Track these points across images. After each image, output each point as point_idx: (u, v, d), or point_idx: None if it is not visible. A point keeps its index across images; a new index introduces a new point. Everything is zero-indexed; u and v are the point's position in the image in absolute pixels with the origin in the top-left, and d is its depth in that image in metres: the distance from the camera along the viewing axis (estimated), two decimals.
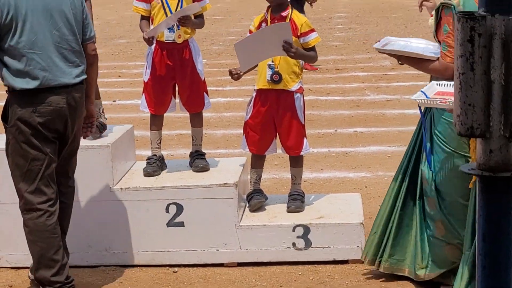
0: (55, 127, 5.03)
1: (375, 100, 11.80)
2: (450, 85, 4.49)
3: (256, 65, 5.82)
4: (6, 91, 5.15)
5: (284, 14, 5.77)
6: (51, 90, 5.00)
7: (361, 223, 5.63)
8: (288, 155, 6.04)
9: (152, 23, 6.04)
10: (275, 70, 5.77)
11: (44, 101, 4.98)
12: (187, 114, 6.39)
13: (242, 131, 6.00)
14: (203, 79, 6.21)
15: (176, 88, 6.19)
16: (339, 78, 13.80)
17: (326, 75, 14.05)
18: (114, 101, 12.33)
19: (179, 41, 5.99)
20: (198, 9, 5.94)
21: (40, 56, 4.96)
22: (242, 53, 5.62)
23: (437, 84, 4.61)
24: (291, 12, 5.81)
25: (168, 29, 5.97)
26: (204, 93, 6.23)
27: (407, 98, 11.74)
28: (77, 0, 5.17)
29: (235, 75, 5.73)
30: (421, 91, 4.45)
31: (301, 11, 16.69)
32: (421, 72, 13.86)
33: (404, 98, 11.80)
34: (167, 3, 5.96)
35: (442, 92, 4.46)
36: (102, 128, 6.09)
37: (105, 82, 13.58)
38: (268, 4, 5.85)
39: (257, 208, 5.85)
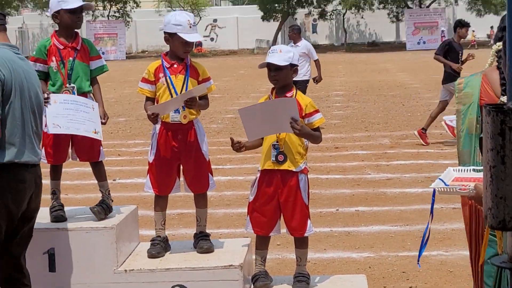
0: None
1: (376, 178, 11.81)
2: (467, 170, 4.45)
3: (261, 140, 5.79)
4: None
5: (288, 95, 5.79)
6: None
7: None
8: (291, 236, 6.00)
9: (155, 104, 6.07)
10: (279, 150, 5.76)
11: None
12: (189, 194, 6.37)
13: (243, 210, 5.97)
14: (207, 159, 6.20)
15: (181, 169, 6.18)
16: (339, 157, 13.84)
17: (325, 154, 14.09)
18: (114, 180, 12.32)
19: (185, 121, 6.01)
20: (204, 90, 5.98)
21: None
22: (247, 121, 5.62)
23: (453, 170, 4.54)
24: (295, 93, 5.84)
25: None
26: (209, 174, 6.22)
27: (407, 177, 11.77)
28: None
29: (236, 145, 5.75)
30: (439, 179, 4.38)
31: (304, 91, 16.85)
32: (420, 150, 13.95)
33: (405, 176, 11.83)
34: (172, 85, 5.99)
35: (460, 178, 4.41)
36: (108, 210, 6.07)
37: (105, 161, 13.55)
38: (273, 86, 5.88)
39: None
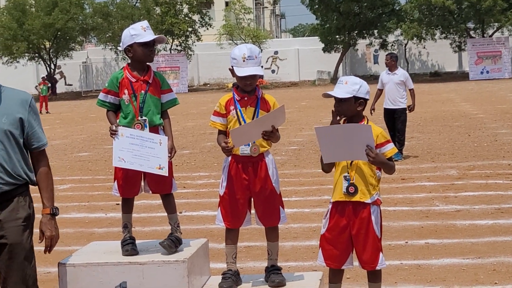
0: None
1: (444, 210, 11.61)
2: None
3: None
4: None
5: (368, 125, 5.73)
6: None
7: None
8: (363, 269, 5.91)
9: (228, 137, 6.04)
10: (350, 182, 5.70)
11: None
12: (256, 226, 6.32)
13: (311, 243, 5.90)
14: (278, 192, 6.16)
15: (252, 202, 6.14)
16: (406, 188, 13.67)
17: (392, 185, 13.93)
18: (180, 212, 12.32)
19: (255, 154, 5.98)
20: (283, 115, 5.92)
21: None
22: (322, 140, 5.59)
23: None
24: (367, 123, 5.77)
25: None
26: (280, 207, 6.17)
27: (477, 208, 11.55)
28: None
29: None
30: None
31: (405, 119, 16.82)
32: (489, 181, 13.70)
33: (474, 208, 11.62)
34: (242, 117, 5.98)
35: None
36: (178, 242, 6.06)
37: None
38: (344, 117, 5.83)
39: None
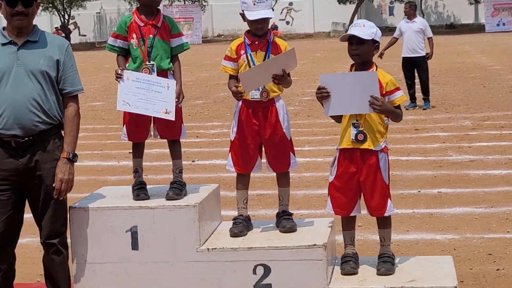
0: None
1: (458, 160, 11.57)
2: None
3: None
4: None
5: (375, 72, 5.65)
6: None
7: (456, 287, 5.41)
8: (372, 216, 5.87)
9: (238, 82, 5.98)
10: (359, 129, 5.63)
11: None
12: (268, 174, 6.29)
13: (323, 192, 5.87)
14: (289, 138, 6.10)
15: (263, 147, 6.10)
16: (419, 138, 13.62)
17: (405, 135, 13.88)
18: (193, 161, 12.33)
19: (265, 99, 5.92)
20: (293, 58, 5.82)
21: None
22: (330, 88, 5.51)
23: None
24: (376, 70, 5.70)
25: None
26: (290, 153, 6.12)
27: (490, 159, 11.50)
28: None
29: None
30: None
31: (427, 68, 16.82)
32: (503, 132, 13.63)
33: (488, 158, 11.57)
34: (252, 61, 5.90)
35: None
36: (182, 187, 5.99)
37: (183, 143, 13.48)
38: (352, 62, 5.75)
39: (349, 274, 5.68)
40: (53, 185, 5.43)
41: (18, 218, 5.61)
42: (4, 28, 5.54)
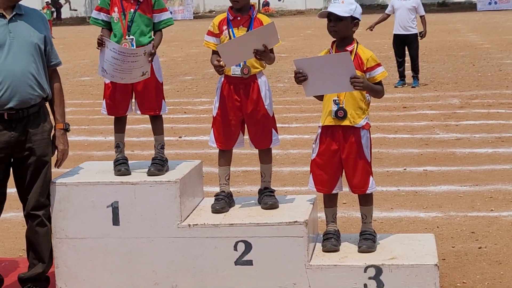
0: None
1: (445, 138, 11.57)
2: None
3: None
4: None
5: (349, 48, 5.63)
6: None
7: (436, 264, 5.42)
8: (353, 193, 5.87)
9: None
10: (340, 106, 5.61)
11: None
12: (254, 150, 6.26)
13: (309, 169, 5.84)
14: (271, 115, 6.05)
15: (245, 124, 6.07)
16: (407, 116, 13.61)
17: (393, 113, 13.88)
18: (180, 137, 12.30)
19: (246, 76, 5.87)
20: (273, 32, 5.77)
21: None
22: (306, 72, 5.49)
23: None
24: (357, 46, 5.67)
25: None
26: (273, 129, 6.08)
27: (477, 137, 11.51)
28: None
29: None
30: None
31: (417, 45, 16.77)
32: (491, 111, 13.63)
33: (474, 137, 11.57)
34: (234, 37, 5.86)
35: None
36: (163, 162, 5.98)
37: (171, 118, 13.59)
38: (333, 39, 5.73)
39: (330, 251, 5.68)
40: (56, 155, 5.70)
41: (3, 191, 5.66)
42: None
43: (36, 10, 5.80)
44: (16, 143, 5.50)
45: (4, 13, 5.49)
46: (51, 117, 5.77)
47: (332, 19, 5.59)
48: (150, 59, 5.83)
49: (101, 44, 5.85)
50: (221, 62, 5.74)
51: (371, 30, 17.88)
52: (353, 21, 5.64)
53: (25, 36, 5.48)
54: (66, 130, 5.75)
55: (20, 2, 5.61)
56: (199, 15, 63.99)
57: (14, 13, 5.51)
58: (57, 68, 5.81)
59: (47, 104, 5.76)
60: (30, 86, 5.47)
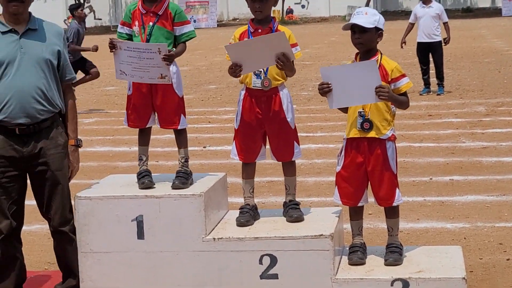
0: None
1: (471, 147, 11.48)
2: None
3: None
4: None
5: (375, 60, 5.59)
6: None
7: (464, 278, 5.35)
8: (379, 206, 5.81)
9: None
10: (365, 118, 5.57)
11: None
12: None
13: (334, 179, 5.80)
14: (293, 127, 6.00)
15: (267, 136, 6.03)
16: (432, 124, 13.53)
17: (418, 121, 13.79)
18: (204, 147, 12.29)
19: (266, 88, 5.83)
20: (291, 56, 5.75)
21: None
22: (331, 81, 5.46)
23: None
24: (381, 57, 5.63)
25: (255, 75, 5.83)
26: (294, 142, 6.02)
27: (504, 146, 11.41)
28: None
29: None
30: None
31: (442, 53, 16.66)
32: None
33: (501, 145, 11.48)
34: None
35: None
36: (188, 175, 5.95)
37: (195, 128, 13.58)
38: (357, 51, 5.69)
39: (356, 264, 5.63)
40: (69, 172, 5.70)
41: (22, 204, 5.69)
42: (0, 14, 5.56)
43: (53, 24, 5.79)
44: (29, 157, 5.53)
45: (16, 29, 5.50)
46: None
47: (357, 31, 5.55)
48: (167, 62, 5.81)
49: (113, 47, 5.87)
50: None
51: (404, 44, 17.76)
52: (377, 32, 5.60)
53: (36, 52, 5.49)
54: (78, 146, 5.76)
55: (38, 16, 5.62)
56: (223, 23, 64.04)
57: (26, 28, 5.52)
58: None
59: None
60: (39, 102, 5.48)
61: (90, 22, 65.76)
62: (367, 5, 61.10)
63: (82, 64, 16.86)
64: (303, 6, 66.59)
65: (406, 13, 54.85)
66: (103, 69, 27.02)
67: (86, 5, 66.20)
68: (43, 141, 5.54)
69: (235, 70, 5.69)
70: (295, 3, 64.20)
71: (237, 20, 66.10)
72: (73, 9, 18.18)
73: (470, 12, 61.08)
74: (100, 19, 68.28)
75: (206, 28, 57.68)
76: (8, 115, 5.42)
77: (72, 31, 16.73)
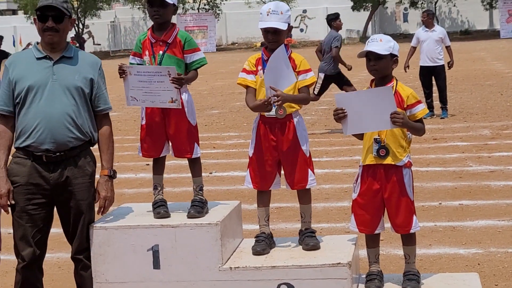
0: None
1: (478, 171, 11.45)
2: None
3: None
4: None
5: (391, 86, 5.58)
6: None
7: None
8: (396, 233, 5.77)
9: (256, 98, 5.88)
10: (381, 144, 5.55)
11: None
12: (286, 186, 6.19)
13: (343, 204, 5.79)
14: (308, 155, 5.99)
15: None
16: (438, 148, 13.51)
17: (424, 145, 13.77)
18: (210, 173, 12.25)
19: (281, 116, 5.81)
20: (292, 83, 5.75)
21: None
22: (346, 107, 5.46)
23: None
24: (396, 84, 5.62)
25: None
26: (309, 170, 6.01)
27: (511, 169, 11.37)
28: None
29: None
30: None
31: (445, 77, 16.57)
32: None
33: (508, 169, 11.44)
34: None
35: None
36: (203, 204, 5.92)
37: (200, 154, 13.51)
38: (372, 78, 5.68)
39: None
40: (97, 202, 5.65)
41: (47, 233, 5.68)
42: (38, 43, 5.62)
43: (90, 55, 5.82)
44: (56, 185, 5.50)
45: (51, 55, 5.52)
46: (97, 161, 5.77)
47: (372, 58, 5.55)
48: (177, 85, 5.79)
49: (122, 72, 5.86)
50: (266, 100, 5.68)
51: (408, 68, 17.75)
52: (392, 59, 5.59)
53: (68, 79, 5.49)
54: (111, 176, 5.71)
55: (68, 45, 5.62)
56: (222, 47, 64.18)
57: (61, 55, 5.54)
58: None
59: (93, 148, 5.75)
60: (68, 128, 5.47)
61: (89, 47, 65.96)
62: (365, 28, 61.34)
63: None
64: (301, 30, 66.76)
65: (405, 36, 54.99)
66: None
67: (85, 30, 66.46)
68: (70, 169, 5.52)
69: (267, 106, 5.65)
70: (294, 27, 64.16)
71: (236, 44, 66.27)
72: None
73: (468, 35, 61.21)
74: (99, 44, 68.42)
75: (206, 52, 57.66)
76: (36, 140, 5.43)
77: None
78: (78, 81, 5.51)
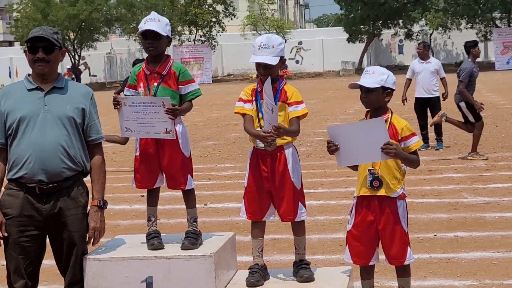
0: None
1: (473, 202, 11.45)
2: None
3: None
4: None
5: (383, 118, 5.60)
6: None
7: None
8: (390, 264, 5.77)
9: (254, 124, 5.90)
10: (375, 176, 5.57)
11: None
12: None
13: (338, 236, 5.79)
14: (299, 188, 5.97)
15: None
16: (433, 180, 13.51)
17: (419, 177, 13.77)
18: (205, 204, 12.23)
19: (270, 148, 5.81)
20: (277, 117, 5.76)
21: None
22: (336, 141, 5.49)
23: None
24: (391, 116, 5.65)
25: None
26: (299, 203, 5.99)
27: (506, 201, 11.38)
28: None
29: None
30: None
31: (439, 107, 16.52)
32: None
33: (503, 200, 11.44)
34: (260, 109, 5.84)
35: None
36: (197, 236, 5.93)
37: (195, 185, 13.49)
38: (367, 109, 5.70)
39: None
40: (87, 234, 5.58)
41: (39, 265, 5.65)
42: (29, 75, 5.63)
43: (81, 85, 5.85)
44: (49, 217, 5.49)
45: (42, 86, 5.53)
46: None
47: (363, 90, 5.59)
48: (171, 116, 5.81)
49: (117, 104, 5.88)
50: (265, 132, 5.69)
51: (406, 101, 17.80)
52: (384, 91, 5.62)
53: (60, 109, 5.49)
54: (101, 207, 5.66)
55: (60, 76, 5.64)
56: (217, 79, 64.40)
57: (52, 86, 5.55)
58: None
59: (86, 179, 5.73)
60: (60, 159, 5.46)
61: (85, 78, 66.14)
62: (360, 60, 61.64)
63: None
64: (297, 62, 67.05)
65: (400, 68, 55.24)
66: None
67: (81, 62, 66.65)
68: (63, 200, 5.51)
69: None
70: (290, 59, 64.54)
71: (232, 76, 66.52)
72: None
73: None
74: (95, 75, 68.60)
75: (201, 84, 57.90)
76: (29, 171, 5.42)
77: None
78: (70, 111, 5.51)
